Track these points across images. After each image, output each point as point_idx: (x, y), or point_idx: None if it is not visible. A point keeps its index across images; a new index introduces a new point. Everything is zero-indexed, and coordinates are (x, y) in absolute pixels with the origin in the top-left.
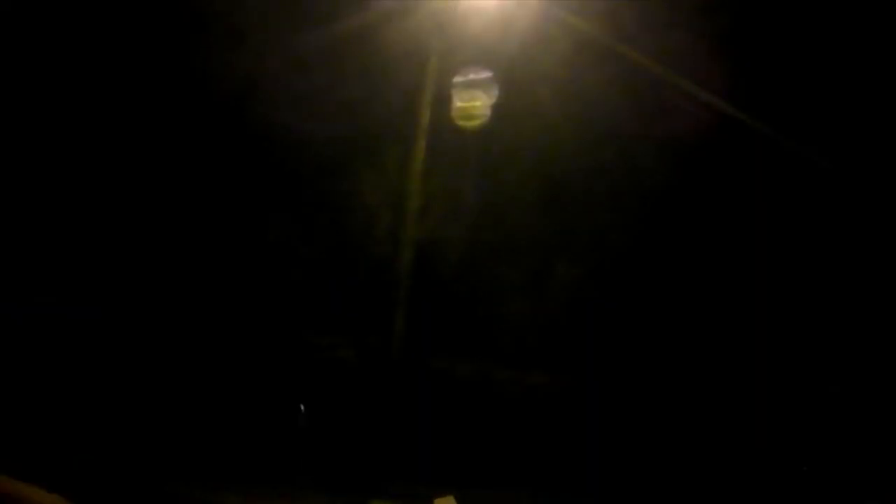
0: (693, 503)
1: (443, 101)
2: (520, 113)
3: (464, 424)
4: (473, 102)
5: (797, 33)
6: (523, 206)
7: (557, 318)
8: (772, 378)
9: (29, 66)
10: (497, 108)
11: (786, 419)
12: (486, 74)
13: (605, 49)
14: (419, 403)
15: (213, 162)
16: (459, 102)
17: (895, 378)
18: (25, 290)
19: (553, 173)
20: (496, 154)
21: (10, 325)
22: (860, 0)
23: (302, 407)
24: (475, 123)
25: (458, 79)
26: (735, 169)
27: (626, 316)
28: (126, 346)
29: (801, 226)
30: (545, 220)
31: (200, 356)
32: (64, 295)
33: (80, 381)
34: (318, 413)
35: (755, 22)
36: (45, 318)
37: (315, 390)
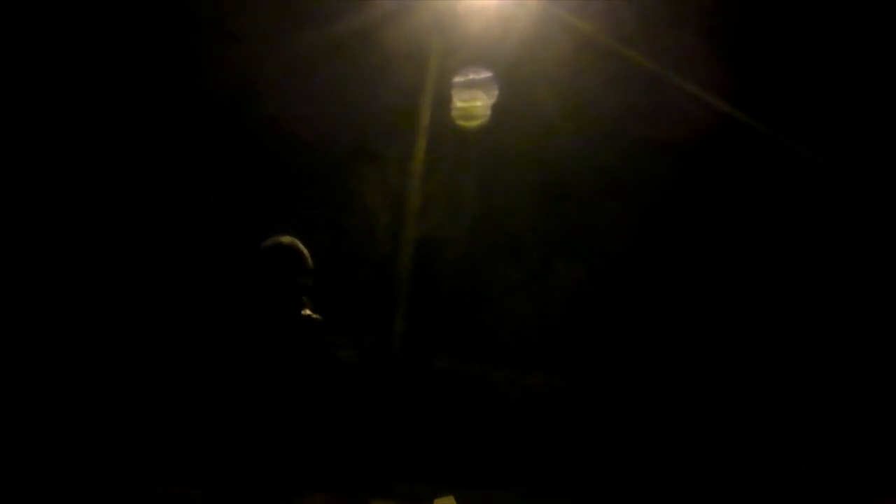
0: (693, 503)
1: (443, 101)
2: (520, 113)
3: (463, 424)
4: (473, 102)
5: (797, 33)
6: (523, 205)
7: (557, 318)
8: (770, 377)
9: (29, 66)
10: (497, 108)
11: (785, 419)
12: (486, 74)
13: (605, 49)
14: (419, 403)
15: (213, 162)
16: (459, 102)
17: (895, 378)
18: None
19: (553, 173)
20: (496, 154)
21: None
22: (860, 0)
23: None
24: (475, 123)
25: (458, 79)
26: (735, 169)
27: (626, 316)
28: (128, 344)
29: (800, 225)
30: (545, 220)
31: (199, 355)
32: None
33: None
34: (318, 413)
35: (755, 21)
36: None
37: (314, 390)
